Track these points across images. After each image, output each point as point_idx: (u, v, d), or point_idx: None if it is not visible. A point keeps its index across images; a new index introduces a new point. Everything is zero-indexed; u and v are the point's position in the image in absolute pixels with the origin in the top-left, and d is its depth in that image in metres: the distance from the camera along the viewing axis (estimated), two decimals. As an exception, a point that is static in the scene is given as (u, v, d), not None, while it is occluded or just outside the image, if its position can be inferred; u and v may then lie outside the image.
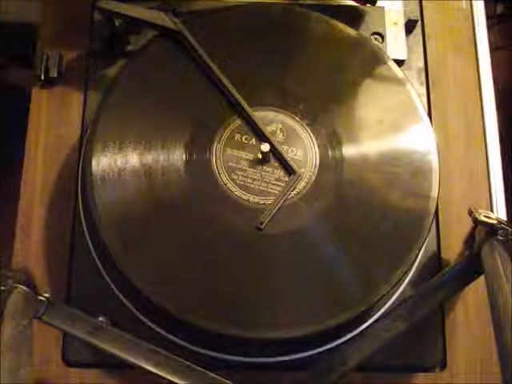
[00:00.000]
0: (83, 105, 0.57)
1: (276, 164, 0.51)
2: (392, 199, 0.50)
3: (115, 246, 0.47)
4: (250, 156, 0.51)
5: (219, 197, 0.50)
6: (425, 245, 0.52)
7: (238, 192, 0.50)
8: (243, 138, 0.52)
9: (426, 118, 0.53)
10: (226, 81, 0.52)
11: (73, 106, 0.57)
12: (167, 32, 0.55)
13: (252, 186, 0.50)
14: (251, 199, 0.50)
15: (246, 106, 0.52)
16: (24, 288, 0.43)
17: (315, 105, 0.53)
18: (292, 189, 0.50)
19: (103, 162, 0.49)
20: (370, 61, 0.55)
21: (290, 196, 0.50)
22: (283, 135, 0.52)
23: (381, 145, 0.52)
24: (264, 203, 0.50)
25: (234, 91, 0.52)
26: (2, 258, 0.55)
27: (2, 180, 0.73)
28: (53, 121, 0.56)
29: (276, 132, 0.52)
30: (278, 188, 0.50)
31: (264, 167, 0.51)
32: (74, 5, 0.59)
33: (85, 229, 0.52)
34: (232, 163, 0.51)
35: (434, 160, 0.51)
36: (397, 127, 0.53)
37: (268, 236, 0.49)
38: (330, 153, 0.51)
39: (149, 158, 0.50)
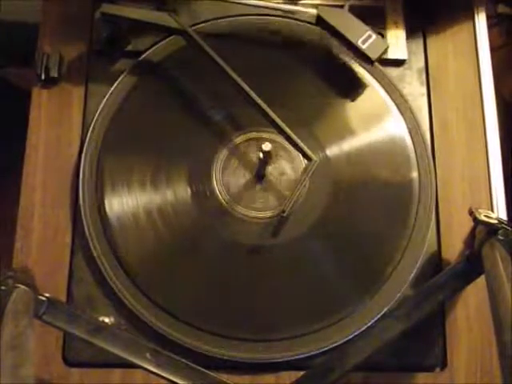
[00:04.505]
0: (83, 105, 0.57)
1: (269, 179, 0.54)
2: (378, 188, 0.54)
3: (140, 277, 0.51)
4: (248, 175, 0.54)
5: (226, 218, 0.53)
6: (426, 244, 0.53)
7: (243, 211, 0.53)
8: (237, 161, 0.54)
9: (394, 109, 0.56)
10: (241, 82, 0.53)
11: (73, 106, 0.57)
12: (172, 32, 0.55)
13: (254, 204, 0.53)
14: (256, 215, 0.53)
15: (258, 99, 0.52)
16: (24, 288, 0.43)
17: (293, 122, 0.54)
18: (309, 175, 0.51)
19: (116, 206, 0.52)
20: (337, 69, 0.58)
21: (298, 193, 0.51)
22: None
23: (359, 142, 0.55)
24: (267, 216, 0.53)
25: (252, 93, 0.53)
26: (2, 258, 0.54)
27: (2, 180, 0.72)
28: (53, 121, 0.56)
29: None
30: (277, 201, 0.53)
31: (262, 184, 0.54)
32: (74, 5, 0.59)
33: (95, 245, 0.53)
34: (232, 186, 0.53)
35: (408, 142, 0.55)
36: (369, 124, 0.56)
37: (270, 247, 0.52)
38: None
39: (157, 195, 0.53)
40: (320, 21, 0.56)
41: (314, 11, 0.56)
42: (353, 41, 0.54)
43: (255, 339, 0.50)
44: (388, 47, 0.55)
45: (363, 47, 0.53)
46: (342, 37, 0.54)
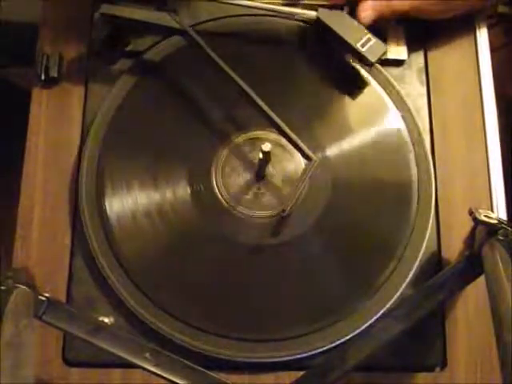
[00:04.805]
0: (83, 105, 0.57)
1: (269, 179, 0.54)
2: (377, 189, 0.54)
3: (141, 280, 0.51)
4: (247, 175, 0.54)
5: (226, 218, 0.53)
6: (425, 244, 0.53)
7: (243, 210, 0.53)
8: (237, 161, 0.54)
9: (394, 109, 0.56)
10: (241, 82, 0.53)
11: (73, 106, 0.57)
12: (172, 32, 0.55)
13: (254, 203, 0.53)
14: (256, 215, 0.53)
15: (258, 99, 0.52)
16: (24, 288, 0.43)
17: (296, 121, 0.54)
18: (309, 175, 0.51)
19: (116, 206, 0.52)
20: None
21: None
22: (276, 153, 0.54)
23: (359, 142, 0.55)
24: (267, 216, 0.53)
25: (252, 93, 0.52)
26: (2, 258, 0.55)
27: (2, 180, 0.73)
28: (53, 121, 0.56)
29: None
30: (277, 200, 0.53)
31: (262, 184, 0.54)
32: (73, 5, 0.59)
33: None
34: (232, 186, 0.53)
35: (407, 141, 0.55)
36: (369, 124, 0.56)
37: (270, 247, 0.52)
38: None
39: (157, 196, 0.53)
40: (319, 23, 0.56)
41: (313, 13, 0.56)
42: (352, 44, 0.54)
43: (255, 339, 0.50)
44: (387, 50, 0.55)
45: (362, 50, 0.54)
46: (341, 39, 0.55)
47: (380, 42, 0.54)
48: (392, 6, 0.55)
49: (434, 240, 0.54)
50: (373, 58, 0.54)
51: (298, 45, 0.58)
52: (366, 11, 0.55)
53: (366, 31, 0.54)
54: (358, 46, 0.54)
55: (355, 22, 0.55)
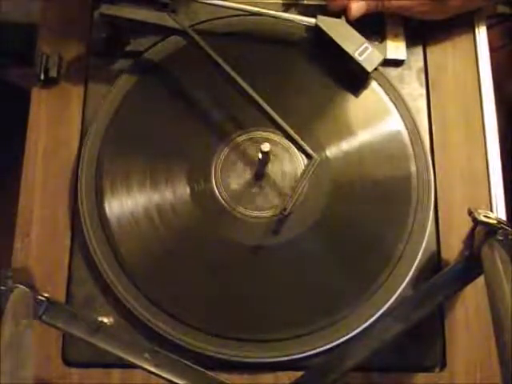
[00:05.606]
0: (83, 105, 0.57)
1: (269, 179, 0.54)
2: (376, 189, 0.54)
3: (139, 277, 0.51)
4: (247, 175, 0.54)
5: (225, 218, 0.53)
6: (425, 244, 0.53)
7: (242, 210, 0.53)
8: (236, 161, 0.54)
9: (393, 109, 0.56)
10: (241, 81, 0.53)
11: (72, 106, 0.57)
12: (171, 32, 0.55)
13: (253, 203, 0.53)
14: (256, 215, 0.53)
15: (258, 98, 0.52)
16: (24, 288, 0.43)
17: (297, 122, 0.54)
18: (310, 173, 0.51)
19: (116, 206, 0.53)
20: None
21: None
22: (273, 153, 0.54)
23: (358, 142, 0.55)
24: (266, 216, 0.53)
25: (252, 92, 0.52)
26: (2, 258, 0.55)
27: (1, 180, 0.73)
28: (53, 121, 0.56)
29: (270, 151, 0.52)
30: (276, 200, 0.53)
31: (262, 184, 0.54)
32: (73, 5, 0.59)
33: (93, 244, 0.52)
34: (232, 186, 0.53)
35: (406, 141, 0.55)
36: (369, 124, 0.56)
37: (269, 247, 0.52)
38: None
39: (156, 196, 0.53)
40: (318, 30, 0.56)
41: (312, 20, 0.56)
42: (350, 52, 0.55)
43: (255, 339, 0.50)
44: (384, 59, 0.56)
45: (360, 59, 0.54)
46: (339, 47, 0.55)
47: (377, 50, 0.55)
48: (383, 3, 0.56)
49: (433, 240, 0.54)
50: (370, 68, 0.55)
51: (298, 44, 0.58)
52: (359, 2, 0.56)
53: (363, 39, 0.55)
54: (356, 55, 0.54)
55: (353, 31, 0.55)
